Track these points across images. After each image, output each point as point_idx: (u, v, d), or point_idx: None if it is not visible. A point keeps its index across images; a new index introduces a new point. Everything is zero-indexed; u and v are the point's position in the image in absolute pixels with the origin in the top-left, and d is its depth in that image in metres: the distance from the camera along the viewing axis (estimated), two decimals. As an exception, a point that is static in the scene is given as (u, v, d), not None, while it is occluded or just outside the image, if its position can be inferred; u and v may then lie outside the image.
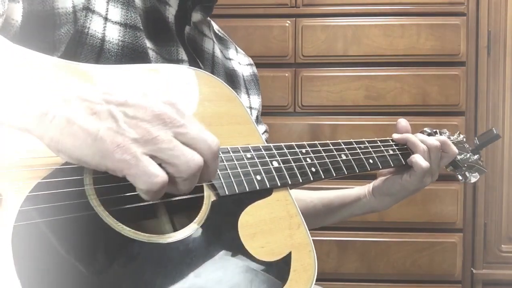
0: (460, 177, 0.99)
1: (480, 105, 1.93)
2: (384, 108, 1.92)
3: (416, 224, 1.93)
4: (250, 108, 0.95)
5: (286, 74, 1.94)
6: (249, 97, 0.95)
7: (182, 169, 0.45)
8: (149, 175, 0.43)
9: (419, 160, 0.87)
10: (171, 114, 0.45)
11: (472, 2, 1.91)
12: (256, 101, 0.97)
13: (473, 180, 0.99)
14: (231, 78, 0.92)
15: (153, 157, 0.44)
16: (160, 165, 0.44)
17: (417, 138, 0.90)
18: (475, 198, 1.94)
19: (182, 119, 0.46)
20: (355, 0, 1.93)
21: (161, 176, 0.43)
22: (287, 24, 1.94)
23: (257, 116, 0.97)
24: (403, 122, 0.94)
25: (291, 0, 1.94)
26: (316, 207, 0.99)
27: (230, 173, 0.62)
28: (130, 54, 0.68)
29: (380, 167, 0.85)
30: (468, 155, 0.99)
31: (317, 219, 1.01)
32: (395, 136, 0.91)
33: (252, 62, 1.02)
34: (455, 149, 0.92)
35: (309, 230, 0.66)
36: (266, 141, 0.98)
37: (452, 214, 1.91)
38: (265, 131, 0.99)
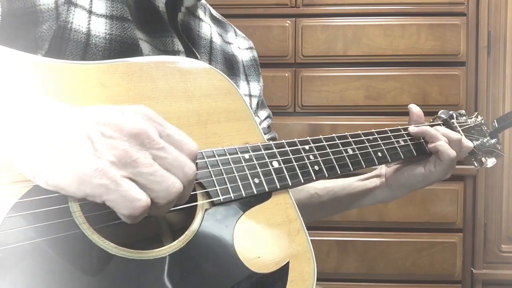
0: (475, 164, 0.95)
1: (480, 105, 1.93)
2: (384, 108, 1.92)
3: (416, 224, 1.93)
4: (250, 96, 0.91)
5: (286, 74, 1.94)
6: (248, 84, 0.91)
7: (162, 195, 0.43)
8: (130, 200, 0.41)
9: (446, 149, 0.82)
10: (151, 132, 0.43)
11: (472, 2, 1.91)
12: (256, 88, 0.92)
13: (489, 165, 0.94)
14: (230, 64, 0.88)
15: (132, 180, 0.42)
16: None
17: (436, 131, 0.84)
18: (475, 198, 1.94)
19: (161, 139, 0.44)
20: (355, 0, 1.93)
21: (143, 200, 0.41)
22: (287, 24, 1.94)
23: (257, 102, 0.92)
24: (414, 108, 0.89)
25: (291, 0, 1.94)
26: (321, 199, 0.94)
27: (225, 178, 0.58)
28: (120, 47, 0.64)
29: (390, 160, 0.80)
30: (486, 139, 0.95)
31: (322, 211, 0.96)
32: (412, 129, 0.85)
33: (252, 45, 0.97)
34: (469, 143, 0.88)
35: (313, 222, 0.64)
36: (269, 127, 0.94)
37: (452, 214, 1.91)
38: (268, 116, 0.95)
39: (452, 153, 0.82)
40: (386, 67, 1.93)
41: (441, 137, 0.83)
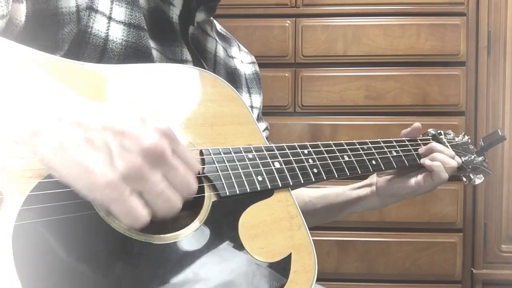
0: (464, 179, 0.99)
1: (480, 105, 1.93)
2: (384, 108, 1.92)
3: (416, 224, 1.93)
4: (252, 107, 0.95)
5: (286, 74, 1.94)
6: (250, 96, 0.95)
7: (163, 212, 0.46)
8: (133, 215, 0.43)
9: (441, 171, 0.88)
10: (167, 152, 0.45)
11: (472, 2, 1.91)
12: (257, 100, 0.97)
13: (477, 182, 0.98)
14: (233, 77, 0.92)
15: (139, 193, 0.44)
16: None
17: (442, 154, 0.90)
18: (475, 198, 1.94)
19: (174, 158, 0.46)
20: (355, 0, 1.93)
21: (144, 217, 0.44)
22: (287, 24, 1.94)
23: (258, 114, 0.97)
24: (417, 126, 0.94)
25: (291, 0, 1.94)
26: (315, 206, 0.99)
27: (231, 174, 0.61)
28: (134, 54, 0.68)
29: (383, 168, 0.85)
30: (473, 156, 0.99)
31: (315, 218, 1.01)
32: (421, 150, 0.91)
33: (254, 60, 1.02)
34: (458, 159, 0.94)
35: (308, 228, 0.66)
36: (266, 138, 0.98)
37: (452, 214, 1.91)
38: (266, 129, 0.99)
39: (444, 176, 0.89)
40: (386, 67, 1.94)
41: (447, 160, 0.89)
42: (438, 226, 1.92)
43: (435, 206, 1.91)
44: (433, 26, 1.90)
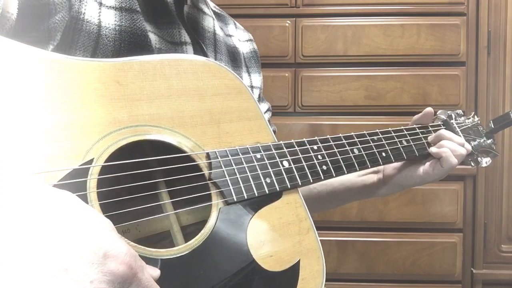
0: (472, 163, 0.97)
1: (480, 105, 1.93)
2: (384, 108, 1.92)
3: (416, 224, 1.93)
4: (252, 87, 0.92)
5: (286, 74, 1.94)
6: (250, 75, 0.93)
7: None
8: None
9: (449, 156, 0.85)
10: None
11: (472, 2, 1.91)
12: (257, 79, 0.94)
13: (484, 164, 0.96)
14: (233, 56, 0.89)
15: None
16: None
17: (451, 142, 0.87)
18: (475, 198, 1.94)
19: None
20: (355, 0, 1.93)
21: None
22: (287, 24, 1.94)
23: (259, 95, 0.94)
24: (429, 111, 0.93)
25: (291, 0, 1.94)
26: (320, 194, 0.97)
27: (239, 178, 0.60)
28: (129, 38, 0.65)
29: (393, 160, 0.82)
30: (482, 140, 0.97)
31: (320, 205, 0.98)
32: (430, 138, 0.89)
33: (251, 37, 0.99)
34: (468, 147, 0.92)
35: (313, 222, 0.65)
36: (268, 121, 0.97)
37: (452, 214, 1.91)
38: (268, 110, 0.96)
39: (454, 161, 0.86)
40: (386, 67, 1.93)
41: (457, 147, 0.87)
42: (438, 226, 1.92)
43: (435, 206, 1.91)
44: (433, 26, 1.90)
